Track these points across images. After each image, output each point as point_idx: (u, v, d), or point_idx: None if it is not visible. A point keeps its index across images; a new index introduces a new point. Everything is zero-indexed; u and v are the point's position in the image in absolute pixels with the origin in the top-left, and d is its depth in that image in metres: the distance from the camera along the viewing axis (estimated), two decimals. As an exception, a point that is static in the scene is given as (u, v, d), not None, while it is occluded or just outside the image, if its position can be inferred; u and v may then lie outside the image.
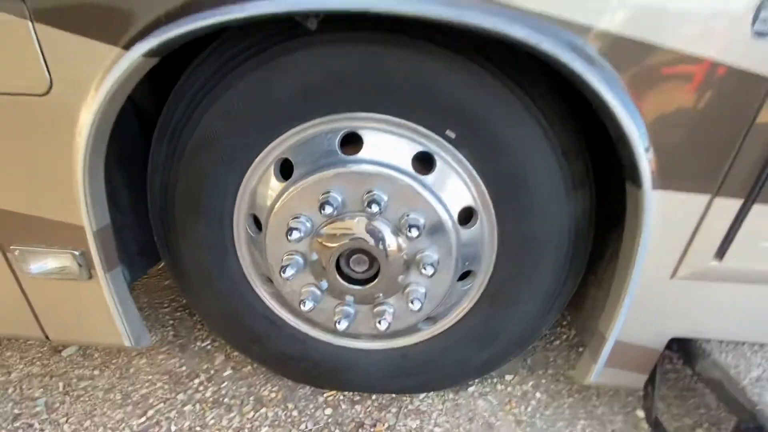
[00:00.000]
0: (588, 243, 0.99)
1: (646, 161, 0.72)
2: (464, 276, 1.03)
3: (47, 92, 0.74)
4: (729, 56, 0.65)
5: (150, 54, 0.70)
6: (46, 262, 0.94)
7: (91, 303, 1.00)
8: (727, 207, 0.76)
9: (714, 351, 0.91)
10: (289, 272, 0.95)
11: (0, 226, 0.91)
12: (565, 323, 1.58)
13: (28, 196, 0.87)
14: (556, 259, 0.98)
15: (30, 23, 0.69)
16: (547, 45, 0.65)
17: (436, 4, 0.63)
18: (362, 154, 0.90)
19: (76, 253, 0.92)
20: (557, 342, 1.52)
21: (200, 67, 0.84)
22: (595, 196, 0.94)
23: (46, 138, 0.80)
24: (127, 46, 0.69)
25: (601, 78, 0.66)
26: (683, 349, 0.96)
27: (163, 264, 1.18)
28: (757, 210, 0.75)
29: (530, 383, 1.35)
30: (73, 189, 0.84)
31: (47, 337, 1.10)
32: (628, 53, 0.65)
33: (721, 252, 0.81)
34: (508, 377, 1.37)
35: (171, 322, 1.64)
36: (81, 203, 0.86)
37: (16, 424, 1.24)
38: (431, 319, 1.11)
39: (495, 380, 1.36)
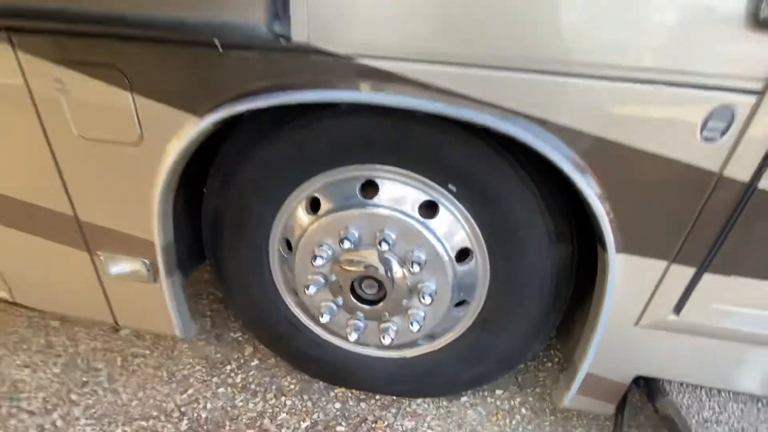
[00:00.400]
0: (569, 286, 1.13)
1: (609, 230, 0.87)
2: (460, 303, 1.20)
3: (138, 143, 0.97)
4: (682, 155, 0.78)
5: (218, 122, 0.91)
6: (123, 266, 1.19)
7: (153, 299, 1.24)
8: (682, 272, 0.89)
9: (673, 391, 1.04)
10: (312, 290, 1.15)
11: (91, 236, 1.16)
12: (558, 347, 1.71)
13: (115, 215, 1.11)
14: (540, 298, 1.12)
15: (130, 93, 0.91)
16: (528, 138, 0.80)
17: (435, 101, 0.80)
18: (378, 198, 1.08)
19: (146, 261, 1.16)
20: (549, 364, 1.65)
21: (250, 124, 1.04)
22: (578, 249, 1.08)
23: (133, 175, 1.02)
24: (202, 116, 0.90)
25: (572, 166, 0.81)
26: (648, 385, 1.09)
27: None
28: (708, 278, 0.88)
29: (518, 399, 1.50)
30: (149, 213, 1.07)
31: (116, 323, 1.35)
32: (595, 148, 0.80)
33: (678, 308, 0.94)
34: (498, 392, 1.53)
35: (209, 313, 1.89)
36: (154, 224, 1.09)
37: (85, 390, 1.52)
38: (430, 336, 1.28)
39: (486, 393, 1.52)
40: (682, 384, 1.06)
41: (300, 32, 0.79)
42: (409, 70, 0.79)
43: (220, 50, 0.82)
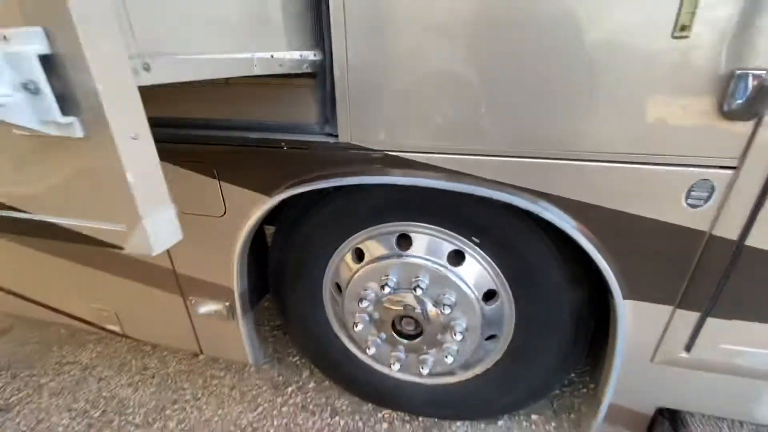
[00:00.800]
0: (588, 324, 1.24)
1: (615, 280, 1.00)
2: (491, 338, 1.35)
3: (223, 215, 1.24)
4: (672, 218, 0.90)
5: (283, 199, 1.15)
6: (209, 307, 1.47)
7: (231, 334, 1.51)
8: (687, 316, 0.99)
9: (695, 422, 1.12)
10: (359, 327, 1.36)
11: (185, 285, 1.45)
12: (593, 375, 1.77)
13: (204, 269, 1.40)
14: (562, 333, 1.25)
15: (217, 181, 1.19)
16: (533, 207, 0.96)
17: (448, 181, 0.99)
18: (412, 250, 1.27)
19: (227, 304, 1.43)
20: (584, 390, 1.73)
21: (307, 194, 1.28)
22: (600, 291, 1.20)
23: (219, 239, 1.30)
24: (271, 195, 1.15)
25: (576, 230, 0.96)
26: (672, 416, 1.17)
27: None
28: (712, 321, 0.97)
29: (552, 424, 1.60)
30: (230, 267, 1.34)
31: (201, 351, 1.64)
32: (596, 215, 0.94)
33: (688, 347, 1.03)
34: (534, 416, 1.63)
35: (271, 339, 2.16)
36: (234, 275, 1.35)
37: (175, 406, 1.82)
38: (464, 366, 1.44)
39: (522, 418, 1.63)
40: (704, 416, 1.14)
41: (344, 133, 1.01)
42: (426, 158, 0.99)
43: (285, 149, 1.07)
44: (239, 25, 0.67)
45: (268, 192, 1.15)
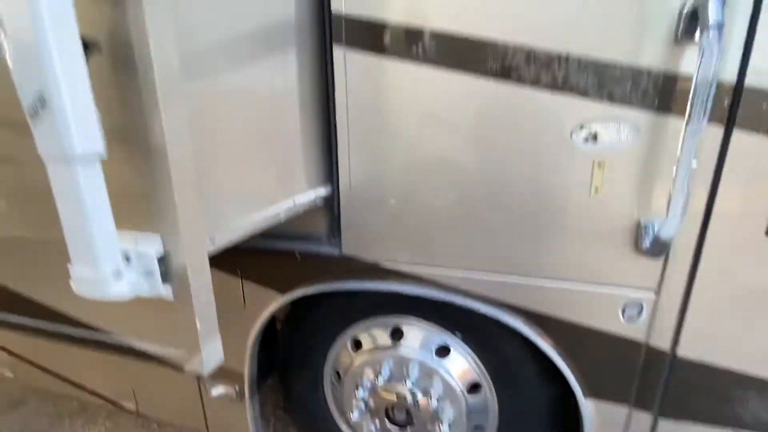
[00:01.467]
0: (565, 418, 1.35)
1: (574, 380, 1.15)
2: (478, 428, 1.45)
3: (242, 309, 1.45)
4: (615, 330, 1.08)
5: (294, 298, 1.37)
6: (220, 390, 1.61)
7: (238, 415, 1.63)
8: (643, 416, 1.12)
9: None
10: (356, 415, 1.48)
11: (201, 367, 1.62)
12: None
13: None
14: (540, 424, 1.36)
15: (240, 279, 1.42)
16: (498, 315, 1.16)
17: (436, 291, 1.20)
18: (404, 342, 1.44)
19: (236, 387, 1.58)
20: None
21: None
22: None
23: (236, 329, 1.49)
24: (284, 294, 1.37)
25: (537, 335, 1.14)
26: None
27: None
28: (664, 422, 1.10)
29: None
30: (244, 354, 1.51)
31: (207, 430, 1.75)
32: (555, 325, 1.13)
33: (649, 442, 1.15)
34: None
35: (272, 418, 2.23)
36: (246, 361, 1.52)
37: (176, 488, 1.87)
38: (454, 456, 1.52)
39: None
40: None
41: (347, 247, 1.25)
42: (412, 270, 1.21)
43: (298, 258, 1.31)
44: (270, 187, 0.94)
45: (282, 290, 1.37)
